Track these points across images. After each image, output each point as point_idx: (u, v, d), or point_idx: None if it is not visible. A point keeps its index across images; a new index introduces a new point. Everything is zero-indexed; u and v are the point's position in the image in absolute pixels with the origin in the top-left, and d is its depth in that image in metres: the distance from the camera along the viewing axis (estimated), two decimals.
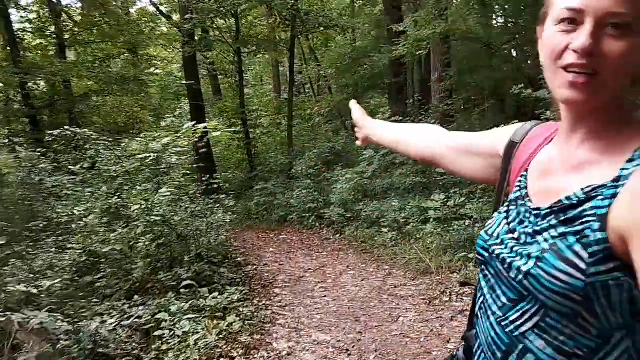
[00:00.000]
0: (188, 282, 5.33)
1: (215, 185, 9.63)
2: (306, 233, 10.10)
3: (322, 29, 16.17)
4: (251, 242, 9.47)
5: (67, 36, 16.40)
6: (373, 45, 15.71)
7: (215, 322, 4.70)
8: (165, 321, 4.55)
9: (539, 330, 0.90)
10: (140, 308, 4.81)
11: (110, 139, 8.62)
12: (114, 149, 8.52)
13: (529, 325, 0.91)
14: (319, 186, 11.90)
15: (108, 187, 7.29)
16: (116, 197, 6.22)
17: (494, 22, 14.77)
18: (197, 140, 6.50)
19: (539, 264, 0.88)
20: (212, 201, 8.30)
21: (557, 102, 1.00)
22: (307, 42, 21.49)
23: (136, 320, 4.73)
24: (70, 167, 6.95)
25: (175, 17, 17.02)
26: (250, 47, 16.38)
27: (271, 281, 6.33)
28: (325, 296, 5.68)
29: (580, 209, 0.87)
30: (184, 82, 16.10)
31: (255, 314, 5.02)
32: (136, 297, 5.26)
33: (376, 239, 8.05)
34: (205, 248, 6.50)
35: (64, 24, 16.60)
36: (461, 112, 11.57)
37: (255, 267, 7.07)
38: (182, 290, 5.25)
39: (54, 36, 16.01)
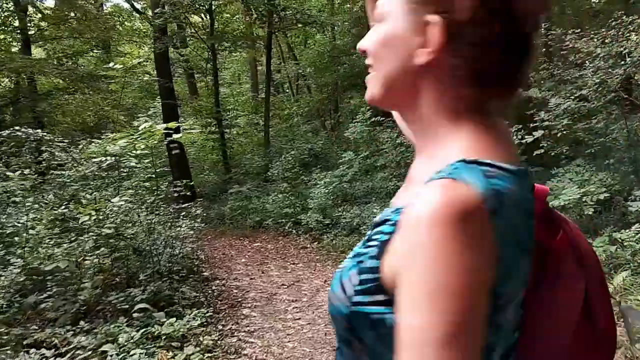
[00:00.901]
0: (142, 305, 4.67)
1: (188, 193, 8.96)
2: (282, 240, 9.47)
3: (300, 25, 15.54)
4: (222, 251, 8.83)
5: (33, 32, 15.58)
6: (353, 43, 15.11)
7: (171, 353, 4.07)
8: (112, 356, 3.91)
9: (338, 350, 0.84)
10: (82, 339, 4.15)
11: (66, 141, 7.92)
12: (70, 152, 7.84)
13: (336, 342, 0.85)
14: (296, 190, 11.29)
15: (57, 194, 6.61)
16: (63, 207, 5.53)
17: None
18: (158, 142, 5.85)
19: (333, 280, 0.80)
20: (177, 209, 7.61)
21: None
22: (285, 40, 20.88)
23: (79, 352, 4.08)
24: (8, 172, 6.22)
25: (151, 13, 16.33)
26: (226, 43, 15.67)
27: (240, 300, 5.69)
28: (299, 319, 5.06)
29: (376, 229, 0.76)
30: (158, 80, 15.46)
31: (219, 342, 4.39)
32: (82, 322, 4.60)
33: None
34: (167, 263, 5.85)
35: (30, 18, 15.76)
36: None
37: (223, 282, 6.42)
38: (135, 315, 4.60)
39: (18, 31, 15.17)
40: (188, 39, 17.40)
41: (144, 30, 16.42)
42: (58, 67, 13.71)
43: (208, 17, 15.23)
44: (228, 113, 17.58)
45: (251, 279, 6.61)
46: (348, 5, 18.17)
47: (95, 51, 17.55)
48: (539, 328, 0.82)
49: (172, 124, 5.35)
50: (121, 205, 5.28)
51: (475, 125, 0.75)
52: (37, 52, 17.89)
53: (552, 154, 6.42)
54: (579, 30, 6.61)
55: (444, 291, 0.62)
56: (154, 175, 7.33)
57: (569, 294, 0.83)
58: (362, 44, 0.84)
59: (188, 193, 9.00)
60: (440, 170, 0.68)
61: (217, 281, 6.36)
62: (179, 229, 6.40)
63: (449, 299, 0.61)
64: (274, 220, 10.57)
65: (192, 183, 15.05)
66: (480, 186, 0.64)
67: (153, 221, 5.86)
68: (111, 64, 7.44)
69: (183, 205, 7.81)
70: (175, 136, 5.36)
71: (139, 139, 5.34)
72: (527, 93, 7.52)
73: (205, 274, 6.33)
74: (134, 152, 6.09)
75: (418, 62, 0.75)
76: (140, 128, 5.28)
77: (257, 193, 12.30)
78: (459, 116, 0.76)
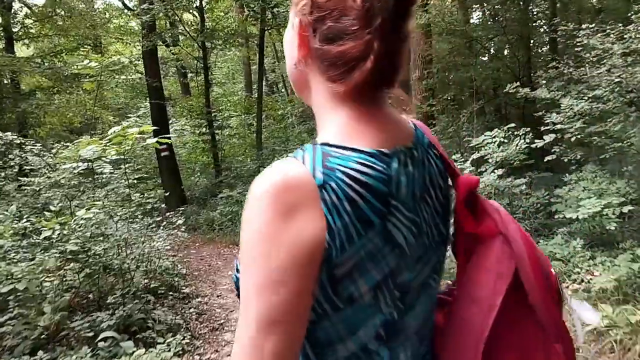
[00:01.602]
0: (108, 333, 4.13)
1: (159, 205, 8.38)
2: None
3: None
4: (209, 261, 8.28)
5: (17, 29, 14.98)
6: None
7: None
8: None
9: None
10: None
11: (39, 145, 7.37)
12: (44, 156, 7.30)
13: None
14: None
15: (29, 202, 6.07)
16: (25, 220, 4.98)
17: (476, 15, 13.80)
18: (132, 147, 5.29)
19: None
20: (158, 219, 7.07)
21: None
22: (279, 38, 20.35)
23: None
24: None
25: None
26: (216, 41, 15.10)
27: (222, 322, 5.15)
28: None
29: None
30: (146, 79, 14.92)
31: None
32: (41, 352, 4.06)
33: None
34: (143, 279, 5.32)
35: (14, 14, 15.16)
36: (446, 112, 10.50)
37: (206, 299, 5.88)
38: (100, 344, 4.06)
39: (1, 29, 14.56)
40: (177, 35, 16.83)
41: (131, 27, 15.83)
42: (40, 65, 13.10)
43: (198, 14, 14.67)
44: (220, 113, 17.04)
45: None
46: None
47: (82, 50, 16.90)
48: (461, 309, 0.91)
49: (147, 127, 4.81)
50: (90, 217, 4.73)
51: (348, 112, 0.84)
52: (25, 51, 17.32)
53: (565, 159, 5.90)
54: (592, 25, 6.09)
55: (257, 255, 0.73)
56: (129, 182, 6.82)
57: (489, 279, 0.88)
58: None
59: (158, 204, 8.48)
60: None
61: (199, 299, 5.81)
62: (156, 242, 5.84)
63: (259, 263, 0.72)
64: None
65: (182, 187, 14.60)
66: (309, 164, 0.75)
67: (127, 234, 5.31)
68: (86, 62, 6.91)
69: (167, 214, 7.27)
70: (149, 141, 4.82)
71: (109, 144, 4.78)
72: (535, 93, 7.01)
73: (185, 290, 5.77)
74: (109, 157, 5.56)
75: (297, 59, 0.88)
76: (110, 132, 4.73)
77: None
78: (336, 105, 0.86)
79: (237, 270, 0.83)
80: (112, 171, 5.89)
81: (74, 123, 18.70)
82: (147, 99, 15.93)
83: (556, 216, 5.73)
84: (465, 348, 0.87)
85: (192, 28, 15.45)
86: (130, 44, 16.64)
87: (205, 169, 16.52)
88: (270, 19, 14.41)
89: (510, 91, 7.00)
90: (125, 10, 16.44)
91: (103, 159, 5.55)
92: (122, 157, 5.82)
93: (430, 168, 0.90)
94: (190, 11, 15.11)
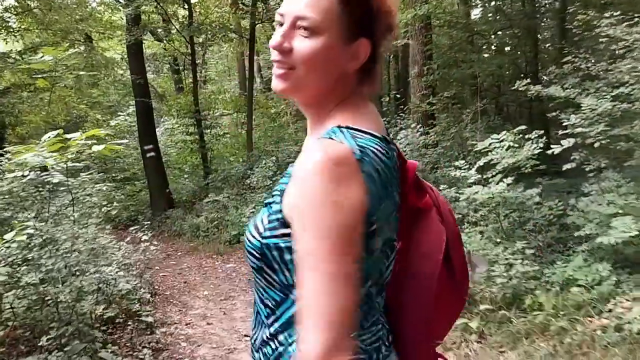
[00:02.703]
0: None
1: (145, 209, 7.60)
2: None
3: None
4: (187, 276, 7.51)
5: None
6: None
7: None
8: None
9: (254, 288, 1.09)
10: None
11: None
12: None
13: (253, 281, 1.09)
14: None
15: None
16: None
17: (479, 6, 12.99)
18: (77, 156, 4.52)
19: (247, 230, 1.05)
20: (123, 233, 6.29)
21: None
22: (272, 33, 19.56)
23: None
24: None
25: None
26: (204, 36, 14.30)
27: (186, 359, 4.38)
28: None
29: (278, 183, 1.04)
30: (131, 76, 14.15)
31: None
32: None
33: None
34: (95, 309, 4.55)
35: None
36: (447, 111, 9.71)
37: (172, 328, 5.11)
38: None
39: None
40: (169, 32, 16.03)
41: (115, 21, 15.03)
42: (15, 62, 12.29)
43: (187, 5, 13.85)
44: (210, 112, 16.26)
45: (208, 323, 5.27)
46: None
47: (64, 44, 16.07)
48: (413, 265, 1.12)
49: (96, 131, 4.04)
50: (22, 240, 3.95)
51: (353, 106, 1.07)
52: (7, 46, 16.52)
53: (587, 168, 5.12)
54: (617, 13, 5.31)
55: (325, 219, 0.88)
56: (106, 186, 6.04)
57: (435, 239, 1.13)
58: (285, 45, 1.02)
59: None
60: (322, 134, 1.00)
61: (164, 328, 5.04)
62: (110, 267, 5.05)
63: (329, 225, 0.88)
64: None
65: (168, 189, 13.80)
66: (348, 143, 0.94)
67: (76, 255, 4.53)
68: (39, 56, 6.13)
69: (132, 229, 6.50)
70: (95, 148, 4.05)
71: (46, 151, 4.00)
72: (547, 91, 6.23)
73: (148, 319, 4.98)
74: (61, 164, 4.78)
75: (350, 70, 1.06)
76: (43, 139, 3.95)
77: (236, 202, 10.97)
78: (344, 101, 1.08)
79: (258, 237, 1.01)
80: (67, 180, 5.10)
81: (58, 121, 17.95)
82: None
83: (576, 234, 4.96)
84: (421, 295, 1.12)
85: (179, 22, 14.65)
86: (112, 38, 15.77)
87: (194, 170, 15.74)
88: (261, 12, 13.63)
89: (520, 89, 6.23)
90: (111, 3, 15.66)
91: (55, 167, 4.80)
92: (78, 164, 5.09)
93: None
94: (178, 4, 14.25)
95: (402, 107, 10.53)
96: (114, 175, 18.26)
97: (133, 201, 16.11)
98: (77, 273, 4.39)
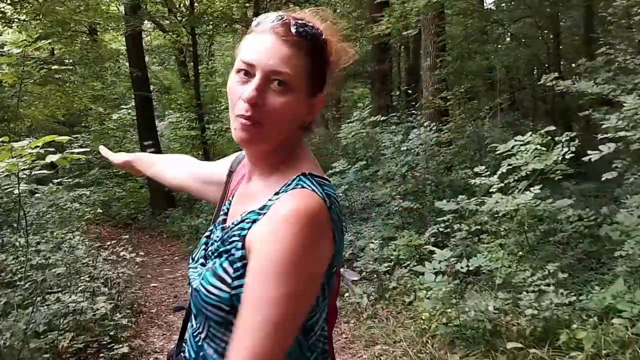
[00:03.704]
0: None
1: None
2: None
3: (291, 5, 13.49)
4: (178, 287, 6.90)
5: None
6: (355, 28, 13.26)
7: None
8: None
9: (209, 339, 1.04)
10: None
11: None
12: None
13: (202, 335, 1.06)
14: None
15: None
16: None
17: None
18: (30, 165, 3.91)
19: (201, 281, 1.02)
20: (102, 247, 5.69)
21: None
22: None
23: None
24: None
25: None
26: (206, 26, 13.63)
27: None
28: None
29: (234, 229, 1.04)
30: (130, 68, 13.57)
31: None
32: None
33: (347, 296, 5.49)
34: (62, 339, 3.95)
35: None
36: (461, 107, 8.99)
37: (152, 359, 4.50)
38: None
39: None
40: (170, 22, 15.39)
41: (113, 11, 14.42)
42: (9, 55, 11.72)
43: None
44: (212, 106, 15.64)
45: None
46: None
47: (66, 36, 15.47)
48: (333, 293, 1.13)
49: (50, 138, 3.42)
50: None
51: (304, 152, 1.12)
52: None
53: (631, 179, 4.44)
54: None
55: (288, 271, 0.89)
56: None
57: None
58: (257, 100, 1.00)
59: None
60: (289, 182, 1.02)
61: (143, 358, 4.44)
62: (83, 284, 4.44)
63: (295, 275, 0.90)
64: None
65: (166, 188, 13.18)
66: (320, 192, 0.98)
67: (39, 279, 3.93)
68: (6, 48, 5.53)
69: (112, 242, 5.90)
70: (49, 158, 3.43)
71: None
72: (578, 87, 5.54)
73: (122, 349, 4.36)
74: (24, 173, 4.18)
75: (306, 122, 1.10)
76: None
77: None
78: (295, 148, 1.12)
79: (225, 288, 0.98)
80: (36, 189, 4.50)
81: (57, 115, 17.40)
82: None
83: (616, 254, 4.28)
84: (332, 306, 1.16)
85: (180, 12, 14.00)
86: (109, 29, 15.17)
87: None
88: (265, 1, 12.97)
89: (548, 84, 5.54)
90: None
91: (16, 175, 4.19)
92: (45, 171, 4.50)
93: None
94: None
95: (413, 101, 9.83)
96: (115, 171, 17.80)
97: (134, 198, 15.61)
98: (36, 300, 3.78)
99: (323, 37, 1.04)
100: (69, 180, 6.87)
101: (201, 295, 1.00)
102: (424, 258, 5.78)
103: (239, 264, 0.97)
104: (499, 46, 11.74)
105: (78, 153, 3.40)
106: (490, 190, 5.04)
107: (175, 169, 1.59)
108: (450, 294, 4.21)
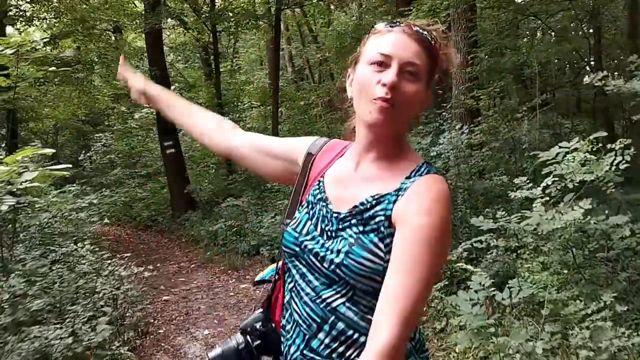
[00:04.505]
0: None
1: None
2: None
3: (314, 0, 12.99)
4: (192, 302, 6.47)
5: (12, 12, 13.42)
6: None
7: None
8: None
9: (350, 304, 1.15)
10: None
11: None
12: None
13: (340, 301, 1.16)
14: None
15: None
16: None
17: None
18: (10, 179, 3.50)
19: (349, 255, 1.13)
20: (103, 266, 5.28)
21: (354, 127, 1.28)
22: (304, 20, 18.41)
23: None
24: None
25: None
26: (227, 23, 13.21)
27: None
28: None
29: (372, 211, 1.16)
30: (149, 67, 13.22)
31: None
32: None
33: None
34: None
35: None
36: (494, 107, 8.38)
37: None
38: None
39: None
40: (191, 19, 15.02)
41: (132, 8, 14.09)
42: (27, 54, 11.46)
43: None
44: (237, 104, 15.25)
45: None
46: None
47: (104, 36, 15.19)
48: None
49: (30, 150, 3.00)
50: None
51: (408, 142, 1.28)
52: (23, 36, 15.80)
53: None
54: None
55: (445, 241, 1.09)
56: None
57: None
58: (397, 84, 1.14)
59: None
60: (417, 168, 1.20)
61: None
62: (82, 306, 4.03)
63: (443, 243, 1.08)
64: (271, 249, 8.20)
65: (185, 191, 12.80)
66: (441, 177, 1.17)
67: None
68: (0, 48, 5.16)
69: (114, 259, 5.50)
70: (26, 177, 2.99)
71: None
72: (631, 86, 4.93)
73: None
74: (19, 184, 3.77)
75: (419, 113, 1.25)
76: None
77: (256, 208, 9.91)
78: (406, 138, 1.27)
79: (379, 261, 1.11)
80: (25, 203, 4.10)
81: (79, 115, 17.22)
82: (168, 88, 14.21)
83: None
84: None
85: (200, 9, 13.61)
86: (127, 27, 14.86)
87: (217, 168, 14.75)
88: None
89: (596, 83, 4.94)
90: None
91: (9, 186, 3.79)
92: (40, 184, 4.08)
93: None
94: None
95: (443, 101, 9.25)
96: (137, 171, 17.55)
97: (155, 199, 15.31)
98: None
99: (437, 42, 1.18)
100: (76, 187, 6.49)
101: (352, 269, 1.12)
102: (455, 276, 5.27)
103: (388, 240, 1.12)
104: (535, 41, 11.06)
105: (60, 170, 2.97)
106: (532, 205, 4.48)
107: (217, 125, 1.53)
108: (488, 325, 3.68)
